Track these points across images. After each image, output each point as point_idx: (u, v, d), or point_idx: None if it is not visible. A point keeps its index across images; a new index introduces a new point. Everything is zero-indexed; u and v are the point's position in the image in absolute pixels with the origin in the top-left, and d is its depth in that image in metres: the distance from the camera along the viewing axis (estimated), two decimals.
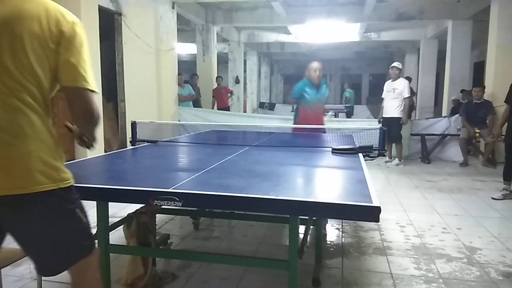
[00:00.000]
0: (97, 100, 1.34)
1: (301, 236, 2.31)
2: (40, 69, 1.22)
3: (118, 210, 3.04)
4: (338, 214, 1.63)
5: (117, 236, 2.47)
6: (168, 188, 1.55)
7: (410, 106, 7.36)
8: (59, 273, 1.34)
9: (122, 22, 6.13)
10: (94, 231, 1.84)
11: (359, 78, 21.37)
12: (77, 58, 1.27)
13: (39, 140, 1.23)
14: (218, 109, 9.65)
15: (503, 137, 4.56)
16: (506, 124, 4.47)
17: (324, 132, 4.21)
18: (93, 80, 1.31)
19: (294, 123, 4.45)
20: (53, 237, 1.27)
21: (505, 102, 4.65)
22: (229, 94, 10.38)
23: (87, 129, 1.39)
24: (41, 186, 1.20)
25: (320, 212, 1.57)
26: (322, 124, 4.39)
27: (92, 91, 1.29)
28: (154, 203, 1.53)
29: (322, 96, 4.44)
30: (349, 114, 11.29)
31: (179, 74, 8.05)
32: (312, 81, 4.32)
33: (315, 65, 4.34)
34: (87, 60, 1.31)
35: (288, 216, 1.70)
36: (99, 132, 4.96)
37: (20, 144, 1.20)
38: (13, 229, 1.27)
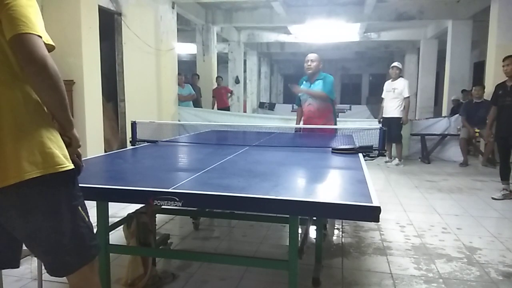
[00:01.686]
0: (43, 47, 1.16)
1: (301, 236, 2.31)
2: None
3: (118, 210, 3.04)
4: (338, 214, 1.63)
5: (117, 236, 2.47)
6: (168, 188, 1.55)
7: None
8: (67, 274, 1.31)
9: (122, 22, 6.13)
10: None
11: (359, 78, 21.37)
12: (13, 8, 1.13)
13: (24, 123, 1.18)
14: (218, 109, 9.65)
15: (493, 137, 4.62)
16: (495, 124, 4.52)
17: (324, 132, 3.96)
18: (38, 26, 1.16)
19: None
20: (57, 234, 1.24)
21: (492, 103, 4.70)
22: (229, 94, 10.38)
23: (41, 86, 1.18)
24: (27, 174, 1.14)
25: (320, 212, 1.57)
26: (321, 124, 4.03)
27: (37, 35, 1.14)
28: (154, 203, 1.53)
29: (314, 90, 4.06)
30: None
31: (179, 74, 8.05)
32: (307, 75, 4.14)
33: (307, 56, 4.14)
34: (28, 7, 1.16)
35: (288, 216, 1.70)
36: (98, 131, 4.96)
37: (3, 131, 1.15)
38: (14, 228, 1.23)
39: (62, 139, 1.30)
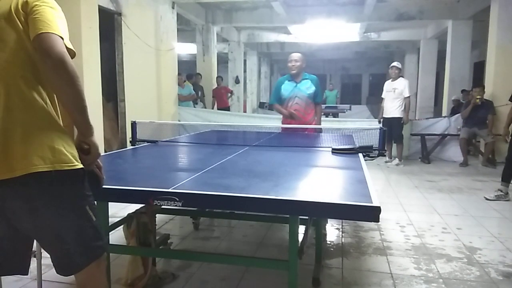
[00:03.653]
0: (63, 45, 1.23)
1: (301, 236, 2.31)
2: (18, 46, 1.23)
3: (118, 210, 3.04)
4: (338, 214, 1.63)
5: (117, 236, 2.47)
6: (168, 188, 1.55)
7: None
8: (71, 273, 1.30)
9: (122, 22, 6.13)
10: None
11: (359, 78, 21.40)
12: (40, 13, 1.23)
13: (35, 119, 1.21)
14: (218, 109, 9.65)
15: None
16: None
17: (309, 132, 3.95)
18: (60, 29, 1.24)
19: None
20: (61, 231, 1.24)
21: (510, 100, 4.61)
22: (229, 94, 10.38)
23: (59, 83, 1.21)
24: (34, 167, 1.16)
25: (320, 212, 1.57)
26: (306, 122, 4.00)
27: (57, 35, 1.21)
28: (154, 203, 1.53)
29: (301, 91, 4.00)
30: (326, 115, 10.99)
31: (179, 74, 8.05)
32: (291, 75, 4.07)
33: (291, 55, 4.07)
34: (54, 14, 1.26)
35: (288, 216, 1.69)
36: (99, 135, 4.96)
37: (14, 124, 1.18)
38: (20, 222, 1.24)
39: (81, 145, 1.31)
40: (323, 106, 11.00)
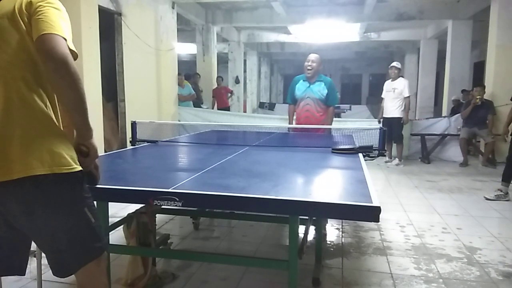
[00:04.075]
0: (65, 46, 1.21)
1: (301, 236, 2.31)
2: (20, 49, 1.23)
3: (118, 210, 3.04)
4: (338, 214, 1.63)
5: (117, 236, 2.47)
6: (168, 188, 1.55)
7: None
8: (68, 275, 1.30)
9: (122, 22, 6.13)
10: None
11: (359, 78, 21.38)
12: (43, 14, 1.22)
13: (34, 121, 1.20)
14: (218, 109, 9.65)
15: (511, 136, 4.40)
16: None
17: (319, 132, 3.96)
18: (63, 30, 1.23)
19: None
20: (59, 234, 1.24)
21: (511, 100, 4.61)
22: (229, 94, 10.37)
23: (60, 84, 1.19)
24: (32, 170, 1.16)
25: (320, 212, 1.57)
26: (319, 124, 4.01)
27: (60, 36, 1.20)
28: (154, 203, 1.53)
29: (313, 92, 4.01)
30: None
31: (179, 74, 8.05)
32: (306, 75, 4.07)
33: (309, 56, 4.08)
34: (57, 15, 1.25)
35: (288, 216, 1.70)
36: (98, 137, 4.97)
37: (13, 126, 1.18)
38: (21, 225, 1.24)
39: (80, 148, 1.30)
40: None
